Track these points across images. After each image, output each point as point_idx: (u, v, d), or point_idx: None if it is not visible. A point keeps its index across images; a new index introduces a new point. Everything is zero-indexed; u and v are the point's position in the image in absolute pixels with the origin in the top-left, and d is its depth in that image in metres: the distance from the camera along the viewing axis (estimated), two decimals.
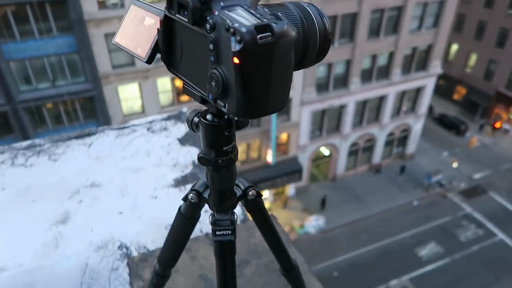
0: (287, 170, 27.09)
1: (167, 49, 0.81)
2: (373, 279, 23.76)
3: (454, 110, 39.72)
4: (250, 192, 1.09)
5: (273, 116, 24.17)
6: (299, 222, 27.17)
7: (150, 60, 0.82)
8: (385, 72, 27.56)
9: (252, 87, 0.66)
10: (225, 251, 1.01)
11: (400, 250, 25.92)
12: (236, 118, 0.91)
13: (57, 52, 18.31)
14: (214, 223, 1.00)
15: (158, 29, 0.79)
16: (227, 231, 0.99)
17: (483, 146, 34.67)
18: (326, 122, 27.82)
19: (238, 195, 1.08)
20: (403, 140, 32.56)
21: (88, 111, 20.64)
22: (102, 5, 18.01)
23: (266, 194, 28.98)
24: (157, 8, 0.83)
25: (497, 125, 36.54)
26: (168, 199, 2.27)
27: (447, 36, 28.20)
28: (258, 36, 0.61)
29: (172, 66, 0.84)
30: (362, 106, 28.29)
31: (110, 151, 2.60)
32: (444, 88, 40.80)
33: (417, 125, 31.67)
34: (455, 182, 31.32)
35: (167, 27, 0.78)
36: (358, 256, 25.37)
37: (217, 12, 0.67)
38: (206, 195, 1.05)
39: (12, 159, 2.48)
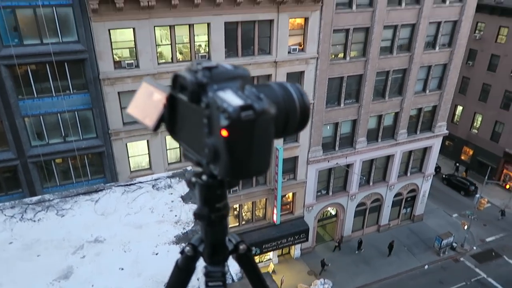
0: (293, 230, 26.58)
1: (170, 119, 0.96)
2: None
3: (462, 171, 39.54)
4: (241, 247, 1.18)
5: (279, 174, 24.23)
6: (305, 286, 26.12)
7: (156, 128, 0.97)
8: (391, 132, 27.92)
9: (237, 154, 0.81)
10: None
11: None
12: (227, 180, 1.03)
13: (71, 108, 19.03)
14: (206, 274, 1.08)
15: (164, 103, 0.94)
16: (218, 282, 1.07)
17: (494, 208, 34.02)
18: (333, 181, 27.75)
19: (230, 249, 1.16)
20: (411, 200, 32.14)
21: (97, 167, 20.94)
22: (118, 64, 18.98)
23: (270, 255, 28.20)
24: (164, 86, 0.98)
25: (508, 186, 36.23)
26: (168, 255, 2.32)
27: (451, 98, 28.86)
28: (242, 114, 0.77)
29: (174, 134, 0.99)
30: (368, 165, 28.35)
31: (115, 207, 2.70)
32: (451, 149, 41.00)
33: (425, 186, 31.42)
34: (467, 245, 30.37)
35: (171, 102, 0.93)
36: None
37: (211, 94, 0.83)
38: (201, 249, 1.14)
39: (22, 213, 2.57)
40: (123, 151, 20.75)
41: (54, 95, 18.52)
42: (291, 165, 25.40)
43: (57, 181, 20.44)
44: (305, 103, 0.98)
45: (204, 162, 0.88)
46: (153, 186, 2.89)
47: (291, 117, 0.96)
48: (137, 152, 21.31)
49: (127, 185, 2.88)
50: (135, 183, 2.90)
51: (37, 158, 19.04)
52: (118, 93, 19.26)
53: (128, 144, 20.73)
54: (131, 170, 21.34)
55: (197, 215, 1.03)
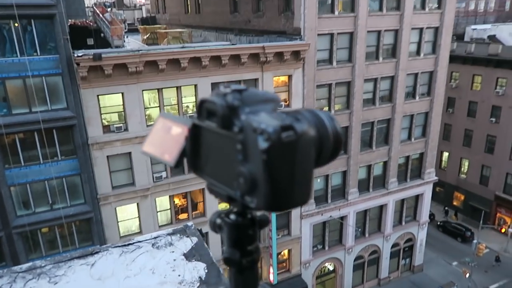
0: None
1: (194, 153, 0.88)
2: None
3: (451, 214, 39.29)
4: None
5: (273, 231, 23.68)
6: None
7: (178, 164, 0.88)
8: (381, 182, 27.93)
9: (278, 181, 0.72)
10: None
11: None
12: (258, 218, 0.93)
13: (59, 175, 18.69)
14: None
15: (185, 136, 0.86)
16: None
17: (492, 253, 33.40)
18: (328, 235, 27.16)
19: None
20: (409, 250, 31.44)
21: (84, 234, 20.21)
22: (106, 129, 19.02)
23: None
24: (184, 119, 0.91)
25: (503, 230, 35.92)
26: None
27: (436, 145, 29.37)
28: (283, 135, 0.70)
29: (197, 169, 0.90)
30: (362, 216, 27.98)
31: (113, 270, 2.50)
32: (442, 195, 41.02)
33: (421, 234, 30.93)
34: None
35: (194, 133, 0.86)
36: None
37: (244, 117, 0.76)
38: None
39: (11, 283, 2.36)
40: (112, 216, 20.19)
41: (41, 162, 18.27)
42: (284, 221, 24.93)
43: (43, 252, 19.55)
44: (337, 130, 0.90)
45: (238, 194, 0.78)
46: (152, 244, 2.72)
47: (325, 146, 0.87)
48: (126, 216, 20.77)
49: (124, 245, 2.71)
50: (134, 243, 2.73)
51: (22, 228, 18.33)
52: (107, 157, 19.13)
53: (117, 208, 20.24)
54: (120, 235, 20.63)
55: (226, 260, 0.91)
